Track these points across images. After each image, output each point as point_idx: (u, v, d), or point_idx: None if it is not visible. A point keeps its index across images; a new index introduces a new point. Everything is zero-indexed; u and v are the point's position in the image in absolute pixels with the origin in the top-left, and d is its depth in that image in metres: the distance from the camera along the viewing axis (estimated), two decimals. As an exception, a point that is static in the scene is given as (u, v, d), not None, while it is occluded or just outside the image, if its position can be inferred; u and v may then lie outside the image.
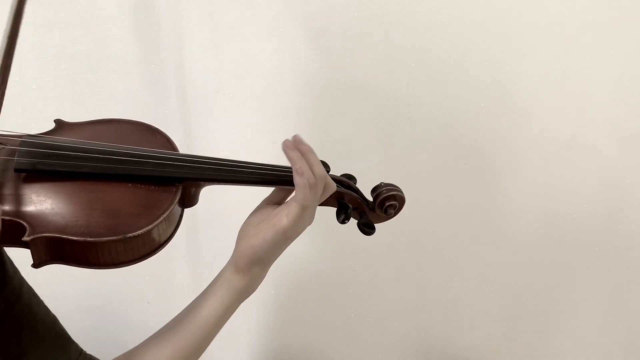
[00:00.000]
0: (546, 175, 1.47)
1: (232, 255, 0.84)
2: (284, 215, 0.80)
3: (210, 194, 0.90)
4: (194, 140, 1.41)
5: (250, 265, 0.82)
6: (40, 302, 0.85)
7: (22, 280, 0.84)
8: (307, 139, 1.43)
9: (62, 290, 1.42)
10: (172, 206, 0.79)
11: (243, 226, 0.85)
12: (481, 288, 1.53)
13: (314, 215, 0.83)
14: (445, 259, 1.52)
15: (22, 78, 1.36)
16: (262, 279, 0.86)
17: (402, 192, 0.97)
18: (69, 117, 1.39)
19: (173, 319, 0.85)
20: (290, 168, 0.86)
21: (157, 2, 1.35)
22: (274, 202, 0.86)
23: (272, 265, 0.88)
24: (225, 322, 0.86)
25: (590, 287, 1.54)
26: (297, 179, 0.79)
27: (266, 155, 1.42)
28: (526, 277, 1.53)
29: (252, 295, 1.59)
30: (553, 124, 1.44)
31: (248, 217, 0.86)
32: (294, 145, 0.82)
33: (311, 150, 0.83)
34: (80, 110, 1.38)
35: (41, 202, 0.76)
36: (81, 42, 1.35)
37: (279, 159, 1.43)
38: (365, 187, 1.03)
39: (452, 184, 1.47)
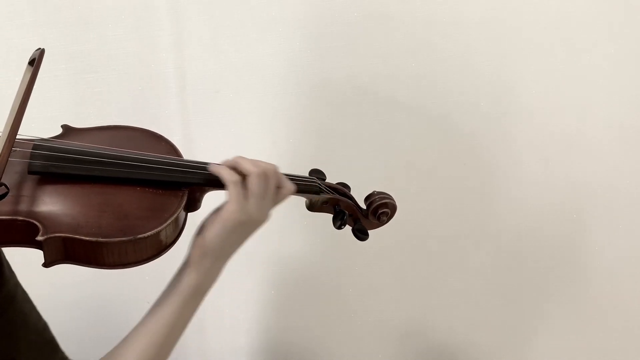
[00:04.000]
0: (546, 175, 1.47)
1: None
2: (227, 202, 0.83)
3: (210, 194, 0.90)
4: (194, 140, 1.41)
5: (201, 258, 0.84)
6: (33, 308, 0.86)
7: (17, 285, 0.84)
8: (306, 138, 1.44)
9: (62, 290, 1.43)
10: (179, 210, 0.82)
11: (200, 224, 0.87)
12: (481, 287, 1.53)
13: (265, 209, 0.86)
14: (445, 259, 1.52)
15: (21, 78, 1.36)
16: (216, 275, 0.86)
17: (393, 200, 1.01)
18: (69, 117, 1.38)
19: (142, 317, 0.87)
20: (297, 175, 0.93)
21: (157, 2, 1.35)
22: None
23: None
24: (187, 318, 0.86)
25: (590, 287, 1.54)
26: (215, 167, 0.85)
27: (266, 155, 1.42)
28: (526, 277, 1.53)
29: (251, 295, 1.59)
30: (553, 124, 1.44)
31: (205, 217, 0.88)
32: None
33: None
34: (80, 110, 1.39)
35: (54, 203, 0.78)
36: (81, 42, 1.35)
37: (279, 159, 1.43)
38: (362, 188, 1.03)
39: (452, 183, 1.47)
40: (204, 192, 0.87)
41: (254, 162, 0.85)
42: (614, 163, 1.46)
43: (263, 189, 0.84)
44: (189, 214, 0.88)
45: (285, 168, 1.42)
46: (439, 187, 1.47)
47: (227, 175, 0.83)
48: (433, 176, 1.46)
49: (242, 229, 0.85)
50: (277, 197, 0.88)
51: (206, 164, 0.87)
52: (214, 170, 0.84)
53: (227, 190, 0.83)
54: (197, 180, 0.85)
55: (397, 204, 1.02)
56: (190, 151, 1.40)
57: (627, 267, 1.53)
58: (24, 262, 0.87)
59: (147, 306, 0.88)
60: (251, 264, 1.48)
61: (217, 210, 0.86)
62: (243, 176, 0.84)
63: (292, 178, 0.94)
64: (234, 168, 0.84)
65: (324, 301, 1.54)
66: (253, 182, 0.83)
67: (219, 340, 1.54)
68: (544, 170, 1.46)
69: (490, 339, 1.57)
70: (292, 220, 1.46)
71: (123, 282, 1.40)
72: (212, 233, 0.83)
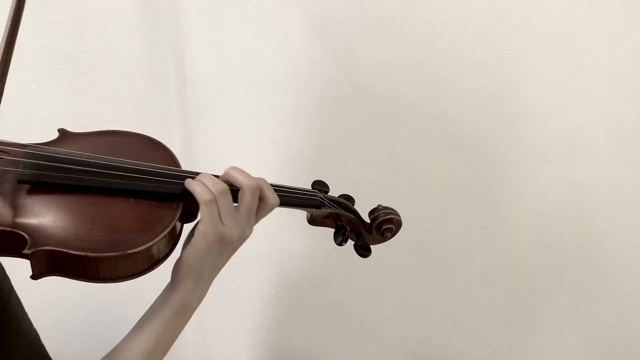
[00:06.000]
0: (546, 175, 1.47)
1: None
2: (200, 222, 0.81)
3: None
4: (194, 140, 1.41)
5: (183, 277, 0.82)
6: (25, 314, 0.84)
7: (11, 290, 0.82)
8: (306, 138, 1.44)
9: (62, 290, 1.42)
10: (173, 223, 0.80)
11: (185, 241, 0.85)
12: (481, 288, 1.53)
13: (241, 225, 0.83)
14: (446, 259, 1.51)
15: (22, 78, 1.36)
16: (202, 294, 0.85)
17: (399, 216, 0.97)
18: (69, 117, 1.39)
19: (126, 335, 0.85)
20: (297, 188, 0.90)
21: (157, 2, 1.34)
22: None
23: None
24: (172, 336, 0.85)
25: (592, 287, 1.54)
26: (187, 183, 0.82)
27: (266, 155, 1.43)
28: (526, 277, 1.53)
29: (251, 295, 1.59)
30: (553, 124, 1.44)
31: (188, 233, 0.86)
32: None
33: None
34: (80, 110, 1.39)
35: (43, 214, 0.75)
36: (81, 42, 1.35)
37: (279, 159, 1.43)
38: (361, 189, 1.02)
39: (452, 184, 1.47)
40: None
41: (215, 182, 0.82)
42: (614, 163, 1.46)
43: (229, 206, 0.82)
44: (186, 225, 0.86)
45: (284, 168, 1.43)
46: (439, 187, 1.47)
47: (199, 194, 0.80)
48: (433, 176, 1.46)
49: (219, 248, 0.82)
50: (259, 211, 0.85)
51: (198, 175, 0.84)
52: (188, 187, 0.81)
53: (200, 209, 0.80)
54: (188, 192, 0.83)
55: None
56: (190, 151, 1.40)
57: (628, 267, 1.53)
58: (22, 264, 0.86)
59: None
60: (251, 263, 1.48)
61: (194, 229, 0.84)
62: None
63: (292, 191, 0.91)
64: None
65: (324, 301, 1.54)
66: (220, 202, 0.80)
67: (219, 340, 1.53)
68: (544, 171, 1.46)
69: (490, 340, 1.57)
70: (292, 220, 1.45)
71: (122, 282, 1.40)
72: (187, 253, 0.81)
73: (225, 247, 0.82)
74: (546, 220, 1.49)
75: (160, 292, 0.86)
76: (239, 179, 0.83)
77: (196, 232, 0.81)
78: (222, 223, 0.81)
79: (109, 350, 0.86)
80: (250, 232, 0.85)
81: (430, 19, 1.37)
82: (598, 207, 1.49)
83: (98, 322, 1.49)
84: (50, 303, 1.43)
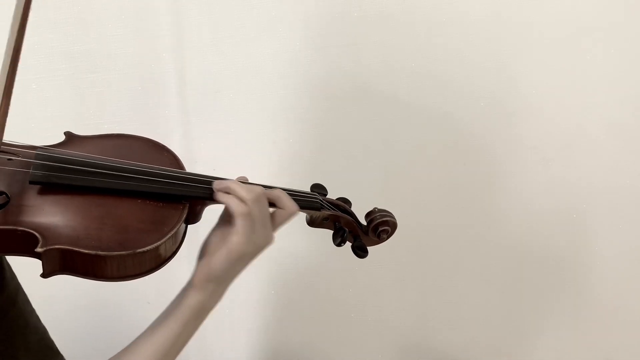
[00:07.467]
0: (546, 176, 1.47)
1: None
2: (234, 233, 0.81)
3: (211, 207, 0.90)
4: (194, 140, 1.41)
5: (205, 282, 0.83)
6: (33, 311, 0.86)
7: (18, 287, 0.84)
8: (306, 138, 1.44)
9: (62, 290, 1.42)
10: (179, 224, 0.81)
11: (203, 243, 0.86)
12: (481, 288, 1.53)
13: (269, 232, 0.85)
14: (445, 260, 1.52)
15: (22, 78, 1.35)
16: (220, 297, 0.86)
17: (394, 218, 0.99)
18: (69, 117, 1.39)
19: (140, 334, 0.86)
20: (298, 191, 0.92)
21: (157, 2, 1.35)
22: (228, 220, 0.85)
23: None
24: (188, 337, 0.86)
25: (591, 286, 1.54)
26: (224, 198, 0.82)
27: (266, 155, 1.43)
28: (526, 278, 1.53)
29: (251, 295, 1.59)
30: (553, 124, 1.44)
31: (208, 235, 0.87)
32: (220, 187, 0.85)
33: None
34: (81, 110, 1.39)
35: (54, 214, 0.77)
36: (81, 42, 1.35)
37: (279, 159, 1.43)
38: (361, 190, 1.03)
39: (452, 184, 1.47)
40: (205, 205, 0.87)
41: (249, 189, 0.82)
42: (614, 163, 1.47)
43: (264, 215, 0.83)
44: (189, 226, 0.87)
45: (284, 168, 1.43)
46: (439, 187, 1.47)
47: (235, 207, 0.81)
48: (433, 176, 1.46)
49: (249, 256, 0.84)
50: (279, 219, 0.87)
51: (209, 181, 0.85)
52: (222, 200, 0.82)
53: (235, 221, 0.81)
54: (199, 195, 0.85)
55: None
56: (190, 151, 1.40)
57: (628, 266, 1.53)
58: (26, 264, 0.86)
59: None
60: (251, 263, 1.48)
61: (220, 232, 0.84)
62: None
63: (293, 194, 0.92)
64: (229, 194, 0.82)
65: (324, 301, 1.54)
66: (254, 211, 0.82)
67: (219, 340, 1.54)
68: (544, 170, 1.46)
69: (491, 339, 1.57)
70: (293, 220, 1.45)
71: (122, 282, 1.40)
72: (217, 261, 0.82)
73: (252, 255, 0.85)
74: (546, 220, 1.50)
75: (169, 294, 0.87)
76: (242, 194, 0.83)
77: (230, 244, 0.81)
78: (254, 235, 0.82)
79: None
80: (273, 238, 0.86)
81: (430, 19, 1.38)
82: (597, 208, 1.49)
83: (97, 322, 1.49)
84: (50, 303, 1.43)
